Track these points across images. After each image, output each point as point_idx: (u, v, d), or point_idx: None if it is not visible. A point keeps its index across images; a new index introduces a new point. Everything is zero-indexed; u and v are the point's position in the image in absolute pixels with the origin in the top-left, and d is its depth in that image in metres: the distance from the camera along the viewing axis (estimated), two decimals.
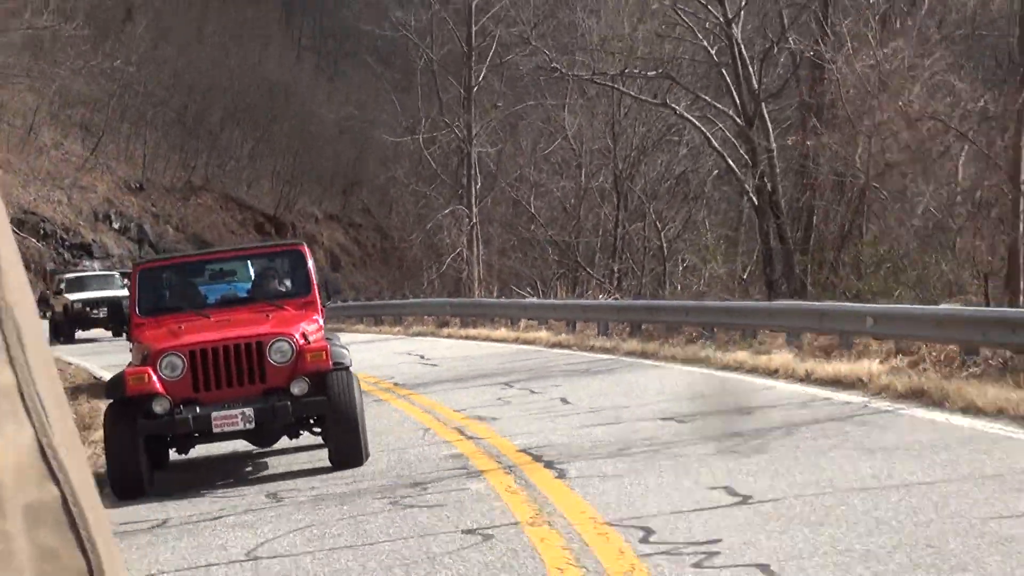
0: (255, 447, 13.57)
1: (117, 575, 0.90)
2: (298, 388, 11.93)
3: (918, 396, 12.14)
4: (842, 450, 9.78)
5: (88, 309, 37.32)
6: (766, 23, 37.34)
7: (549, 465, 10.27)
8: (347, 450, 12.07)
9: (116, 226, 69.46)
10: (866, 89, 24.51)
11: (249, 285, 13.95)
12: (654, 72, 37.80)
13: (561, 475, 9.78)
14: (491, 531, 8.03)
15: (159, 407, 11.86)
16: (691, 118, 38.22)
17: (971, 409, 11.09)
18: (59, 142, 70.59)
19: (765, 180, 33.43)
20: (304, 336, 12.32)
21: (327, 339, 12.79)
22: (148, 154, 78.18)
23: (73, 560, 0.86)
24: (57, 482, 0.87)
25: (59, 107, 72.56)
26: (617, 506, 8.34)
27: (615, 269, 42.05)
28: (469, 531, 8.12)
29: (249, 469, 13.05)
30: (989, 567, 6.18)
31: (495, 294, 39.99)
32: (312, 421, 12.47)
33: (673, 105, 38.13)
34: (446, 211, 44.18)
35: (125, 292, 39.82)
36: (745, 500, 8.18)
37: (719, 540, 7.12)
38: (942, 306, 16.26)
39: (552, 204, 46.52)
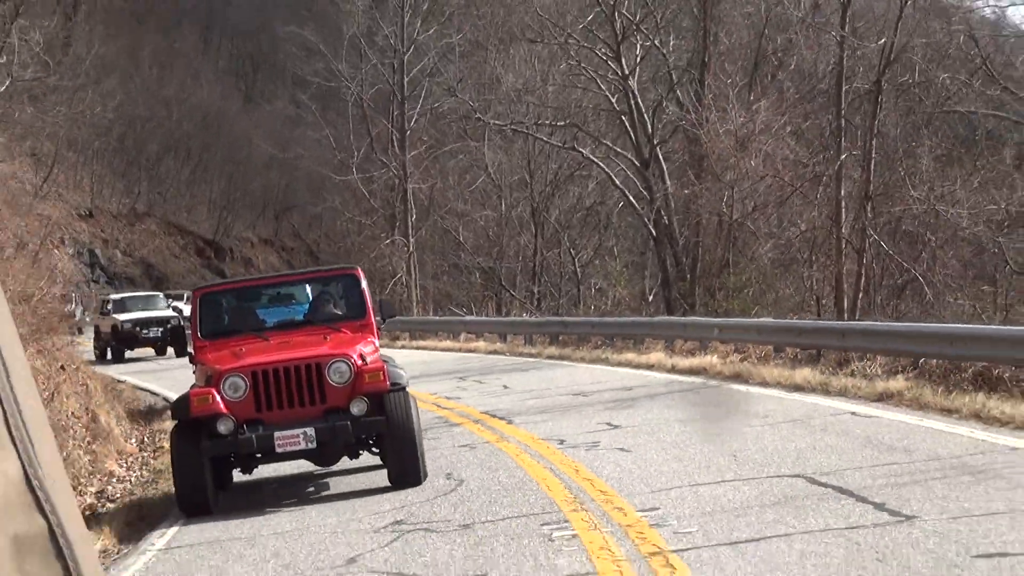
0: (317, 467, 13.86)
1: (77, 530, 0.89)
2: (357, 408, 12.27)
3: (737, 377, 18.66)
4: (678, 407, 16.21)
5: (138, 329, 38.22)
6: (658, 79, 43.96)
7: (502, 418, 16.57)
8: (406, 469, 12.37)
9: (69, 251, 74.53)
10: (729, 147, 31.08)
11: (305, 308, 14.37)
12: (563, 123, 44.38)
13: (510, 422, 16.09)
14: (474, 445, 14.33)
15: (223, 427, 12.17)
16: (595, 160, 44.72)
17: (767, 383, 17.58)
18: (13, 172, 75.10)
19: (662, 213, 39.93)
20: (362, 357, 12.67)
21: (384, 360, 13.13)
22: (95, 182, 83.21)
23: (34, 519, 0.85)
24: (44, 513, 0.86)
25: (10, 139, 76.98)
26: (545, 432, 14.63)
27: (535, 291, 48.34)
28: (461, 446, 14.42)
29: (311, 489, 13.49)
30: (719, 447, 12.55)
31: (431, 313, 46.19)
32: (371, 441, 12.91)
33: (580, 149, 44.68)
34: (387, 240, 50.26)
35: (171, 312, 43.33)
36: (615, 427, 14.56)
37: (599, 442, 13.46)
38: (761, 319, 22.91)
39: (477, 233, 52.65)
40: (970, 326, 17.77)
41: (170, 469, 13.18)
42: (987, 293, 28.25)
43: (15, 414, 0.89)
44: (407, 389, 12.61)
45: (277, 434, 12.14)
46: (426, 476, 12.50)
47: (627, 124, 42.08)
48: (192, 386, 13.13)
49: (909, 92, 30.04)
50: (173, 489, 12.76)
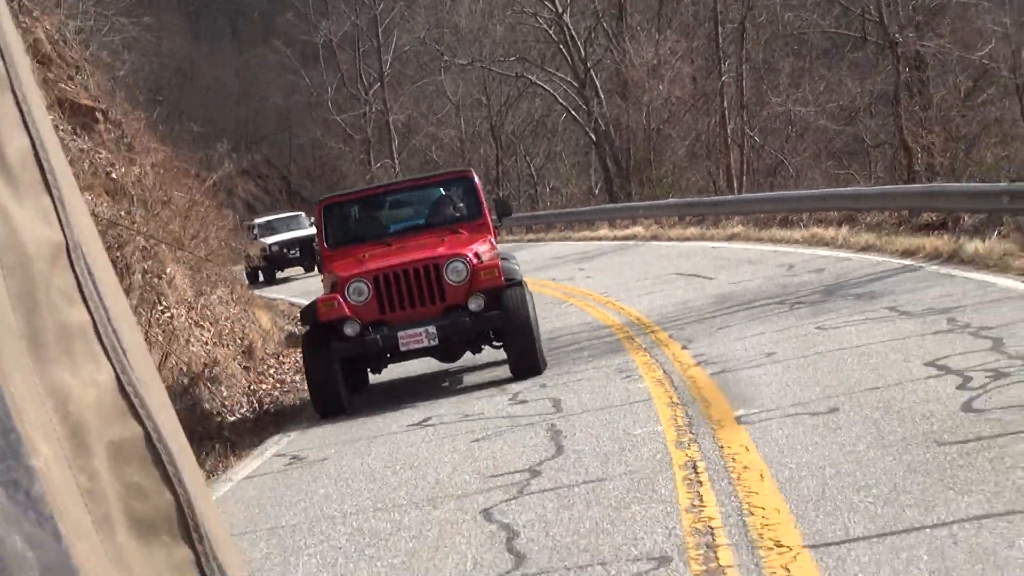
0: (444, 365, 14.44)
1: (206, 510, 0.89)
2: (475, 304, 12.66)
3: (654, 238, 29.98)
4: (617, 256, 27.42)
5: (285, 251, 38.50)
6: (587, 12, 54.66)
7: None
8: (527, 359, 12.77)
9: None
10: (643, 74, 42.18)
11: (426, 212, 14.69)
12: (513, 57, 55.19)
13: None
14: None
15: (350, 329, 12.62)
16: (540, 83, 55.59)
17: (672, 239, 28.82)
18: None
19: (599, 123, 50.86)
20: (477, 256, 13.04)
21: (502, 257, 13.45)
22: None
23: (161, 496, 0.86)
24: (139, 419, 0.87)
25: None
26: (540, 277, 25.81)
27: (499, 193, 59.24)
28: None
29: (446, 384, 13.93)
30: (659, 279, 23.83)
31: None
32: (491, 335, 13.34)
33: (528, 75, 55.52)
34: (378, 165, 61.04)
35: (313, 230, 49.82)
36: (582, 270, 25.80)
37: (574, 277, 24.69)
38: (668, 200, 34.36)
39: (446, 150, 63.37)
40: (799, 192, 29.06)
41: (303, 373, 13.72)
42: (833, 167, 39.62)
43: (104, 321, 0.88)
44: (523, 283, 13.16)
45: (401, 333, 12.64)
46: (546, 365, 13.01)
47: (564, 52, 53.01)
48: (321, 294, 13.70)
49: (770, 24, 41.16)
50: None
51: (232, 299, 21.02)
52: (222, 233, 27.17)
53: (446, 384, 13.92)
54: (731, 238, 26.36)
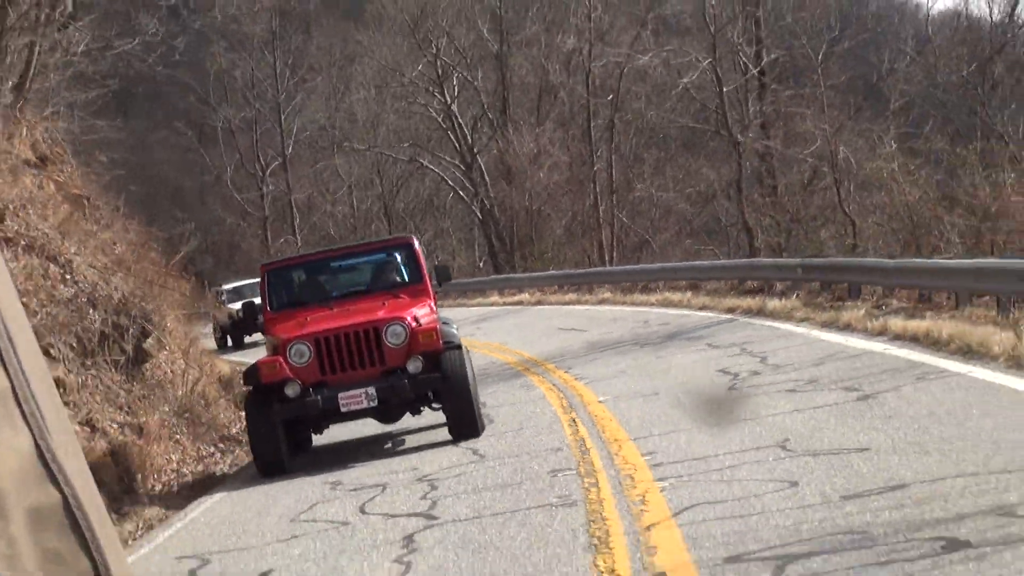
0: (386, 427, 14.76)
1: (123, 574, 0.87)
2: (413, 366, 13.03)
3: (539, 303, 35.51)
4: (509, 318, 32.89)
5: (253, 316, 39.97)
6: (473, 103, 60.42)
7: None
8: (465, 421, 13.17)
9: None
10: (524, 162, 48.01)
11: (368, 277, 15.02)
12: (407, 144, 60.81)
13: None
14: None
15: (291, 391, 12.96)
16: (431, 166, 61.21)
17: (554, 303, 34.40)
18: None
19: (484, 203, 56.49)
20: (416, 319, 13.39)
21: (442, 322, 13.89)
22: None
23: (79, 562, 0.84)
24: (58, 485, 0.86)
25: None
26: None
27: (436, 262, 64.32)
28: None
29: (388, 446, 14.26)
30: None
31: None
32: (431, 397, 13.60)
33: (419, 160, 61.08)
34: (281, 240, 65.98)
35: None
36: (481, 328, 31.23)
37: (475, 333, 30.14)
38: (549, 272, 40.05)
39: (340, 226, 68.51)
40: (656, 265, 34.88)
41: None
42: (692, 243, 45.73)
43: (23, 387, 0.87)
44: (462, 347, 13.50)
45: (341, 395, 12.87)
46: (483, 428, 13.33)
47: (452, 139, 58.76)
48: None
49: (635, 120, 47.35)
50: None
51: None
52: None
53: (388, 445, 14.41)
54: (601, 302, 32.06)
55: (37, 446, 0.87)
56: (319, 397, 12.99)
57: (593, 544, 7.46)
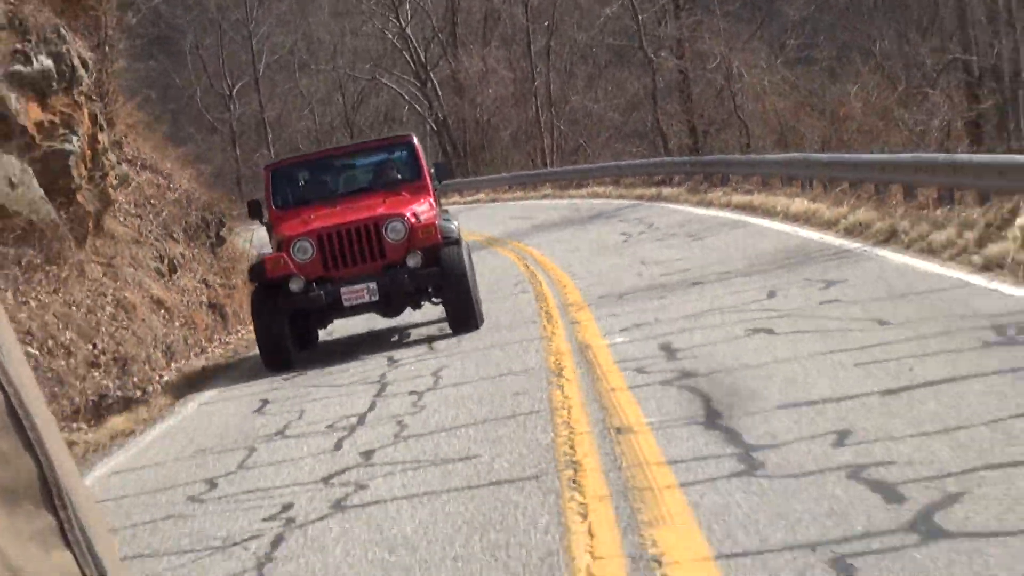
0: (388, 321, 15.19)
1: (69, 477, 0.87)
2: (413, 261, 13.33)
3: (494, 200, 43.03)
4: (467, 214, 40.47)
5: None
6: (426, 26, 67.42)
7: None
8: (463, 314, 13.58)
9: None
10: (475, 78, 55.25)
11: (370, 175, 15.31)
12: (368, 64, 67.76)
13: None
14: None
15: (295, 285, 13.23)
16: (388, 83, 68.24)
17: (507, 200, 41.93)
18: None
19: (439, 115, 63.69)
20: (416, 215, 13.68)
21: (444, 218, 14.31)
22: None
23: (22, 463, 0.84)
24: (0, 385, 0.84)
25: None
26: None
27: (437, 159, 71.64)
28: None
29: (395, 339, 14.73)
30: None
31: None
32: (431, 291, 13.97)
33: (379, 78, 68.09)
34: (257, 153, 72.96)
35: None
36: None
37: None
38: (499, 175, 47.57)
39: (305, 139, 75.50)
40: (586, 166, 42.43)
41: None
42: (621, 147, 53.28)
43: None
44: (460, 241, 13.79)
45: (343, 289, 13.25)
46: (482, 321, 13.79)
47: (407, 58, 65.81)
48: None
49: (568, 43, 54.68)
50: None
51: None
52: None
53: (395, 338, 14.83)
54: (544, 196, 39.68)
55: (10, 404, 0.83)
56: (322, 292, 13.34)
57: (542, 314, 14.80)
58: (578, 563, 5.28)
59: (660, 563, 5.10)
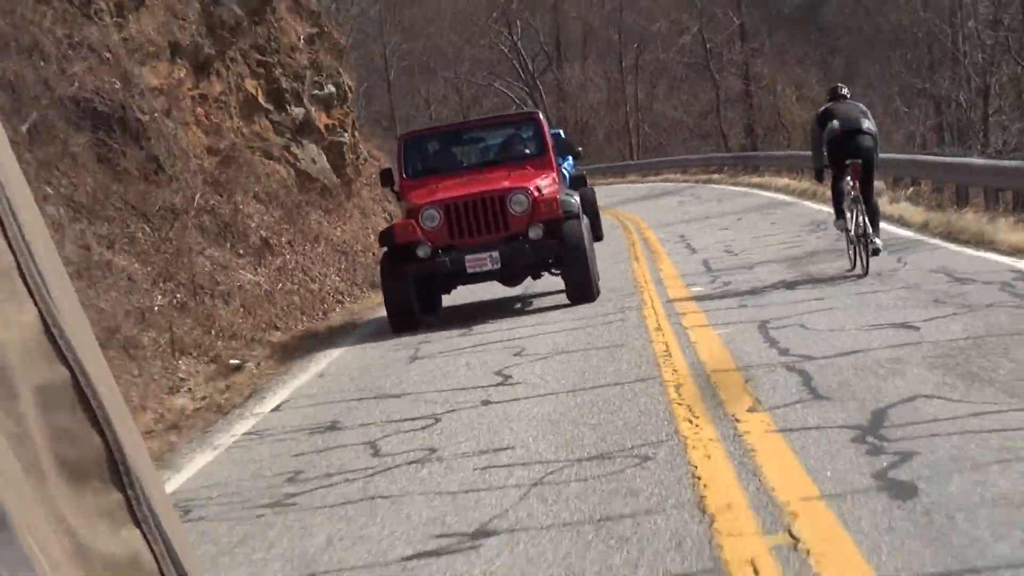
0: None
1: (136, 453, 0.87)
2: (535, 233, 13.77)
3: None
4: None
5: None
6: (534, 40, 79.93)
7: None
8: (580, 286, 13.98)
9: None
10: (574, 84, 67.65)
11: (496, 149, 15.91)
12: (485, 72, 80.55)
13: None
14: None
15: (422, 252, 13.81)
16: (501, 88, 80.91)
17: (602, 184, 54.40)
18: None
19: (545, 117, 75.78)
20: (539, 189, 14.11)
21: (566, 193, 14.80)
22: None
23: (90, 441, 0.84)
24: (66, 362, 0.85)
25: None
26: None
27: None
28: None
29: (518, 306, 15.38)
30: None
31: None
32: (550, 263, 14.53)
33: (493, 83, 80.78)
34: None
35: None
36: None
37: None
38: (597, 165, 60.16)
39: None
40: (664, 159, 54.74)
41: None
42: (694, 146, 65.35)
43: (28, 262, 0.85)
44: (580, 216, 14.23)
45: (468, 257, 13.84)
46: (599, 293, 14.26)
47: (517, 67, 78.56)
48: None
49: (652, 60, 66.99)
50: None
51: None
52: None
53: (518, 306, 15.41)
54: (631, 182, 51.97)
55: (44, 322, 0.84)
56: (447, 258, 13.84)
57: (628, 244, 26.91)
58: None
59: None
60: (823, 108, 14.02)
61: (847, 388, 7.55)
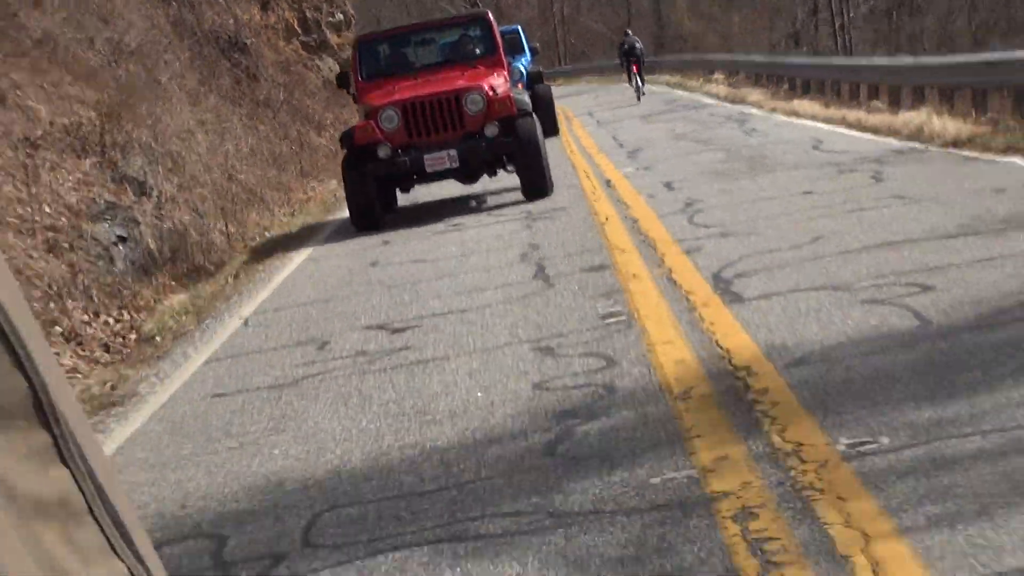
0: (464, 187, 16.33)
1: (61, 393, 0.86)
2: (490, 131, 14.19)
3: None
4: None
5: None
6: None
7: None
8: (535, 181, 14.57)
9: None
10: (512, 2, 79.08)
11: (448, 49, 16.32)
12: None
13: None
14: None
15: (382, 152, 14.21)
16: (448, 7, 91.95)
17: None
18: None
19: None
20: (492, 88, 14.52)
21: (517, 92, 15.37)
22: None
23: (14, 381, 0.83)
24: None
25: None
26: None
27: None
28: None
29: (473, 204, 16.02)
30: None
31: None
32: (505, 160, 14.80)
33: (441, 3, 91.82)
34: None
35: None
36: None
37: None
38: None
39: None
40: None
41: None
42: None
43: None
44: (533, 114, 14.59)
45: (426, 156, 14.24)
46: (552, 188, 14.79)
47: None
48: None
49: None
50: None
51: None
52: None
53: (472, 204, 16.19)
54: (560, 84, 63.53)
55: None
56: (407, 158, 14.34)
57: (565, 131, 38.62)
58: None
59: None
60: (621, 41, 28.80)
61: (640, 147, 19.63)
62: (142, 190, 14.70)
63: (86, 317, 11.14)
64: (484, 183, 16.57)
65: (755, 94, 29.16)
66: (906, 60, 22.85)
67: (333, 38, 40.47)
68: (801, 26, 49.27)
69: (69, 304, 11.05)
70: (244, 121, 26.57)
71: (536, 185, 14.71)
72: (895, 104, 19.77)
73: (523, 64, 23.18)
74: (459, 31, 16.84)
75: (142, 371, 9.34)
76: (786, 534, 4.23)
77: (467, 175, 15.28)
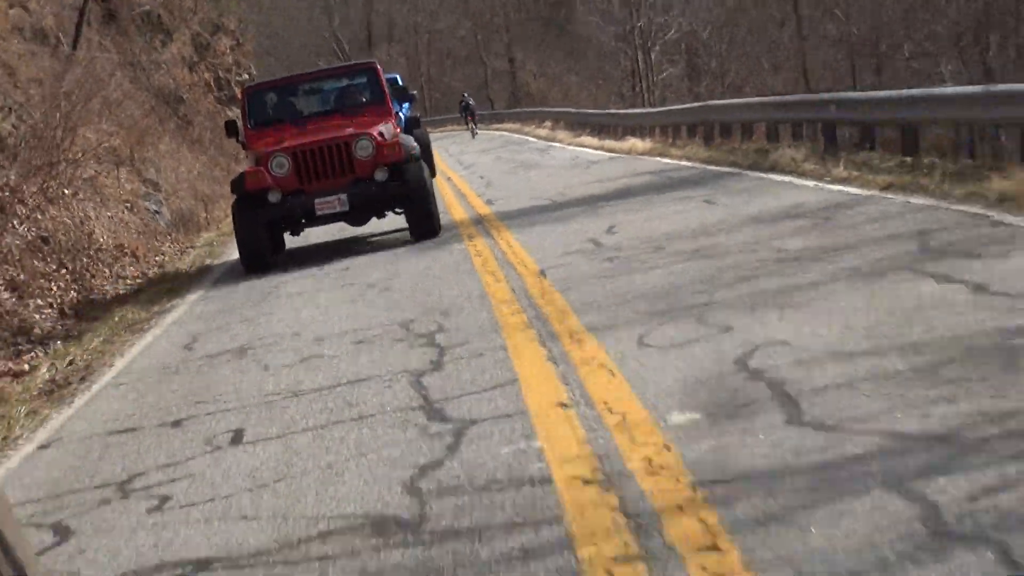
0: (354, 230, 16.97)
1: None
2: (380, 175, 14.53)
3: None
4: None
5: None
6: None
7: None
8: (424, 224, 14.94)
9: None
10: None
11: (335, 98, 16.58)
12: (311, 55, 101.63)
13: None
14: None
15: (273, 197, 14.44)
16: (325, 66, 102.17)
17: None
18: None
19: None
20: (381, 135, 14.80)
21: (406, 137, 15.45)
22: None
23: None
24: None
25: None
26: None
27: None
28: None
29: (352, 247, 16.10)
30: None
31: None
32: (394, 203, 15.11)
33: (319, 63, 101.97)
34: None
35: None
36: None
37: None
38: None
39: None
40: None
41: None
42: None
43: None
44: (421, 160, 15.05)
45: (317, 200, 14.52)
46: (440, 229, 15.04)
47: (336, 49, 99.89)
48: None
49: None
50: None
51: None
52: None
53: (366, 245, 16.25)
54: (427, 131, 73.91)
55: None
56: (298, 203, 14.58)
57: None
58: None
59: None
60: (460, 100, 42.91)
61: (473, 163, 30.33)
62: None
63: None
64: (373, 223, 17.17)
65: (562, 134, 40.26)
66: (647, 110, 34.78)
67: (239, 91, 50.35)
68: (623, 85, 60.57)
69: None
70: (188, 153, 36.58)
71: (425, 226, 15.13)
72: (638, 136, 31.05)
73: (404, 110, 25.96)
74: (347, 80, 17.07)
75: None
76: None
77: (356, 218, 15.53)
